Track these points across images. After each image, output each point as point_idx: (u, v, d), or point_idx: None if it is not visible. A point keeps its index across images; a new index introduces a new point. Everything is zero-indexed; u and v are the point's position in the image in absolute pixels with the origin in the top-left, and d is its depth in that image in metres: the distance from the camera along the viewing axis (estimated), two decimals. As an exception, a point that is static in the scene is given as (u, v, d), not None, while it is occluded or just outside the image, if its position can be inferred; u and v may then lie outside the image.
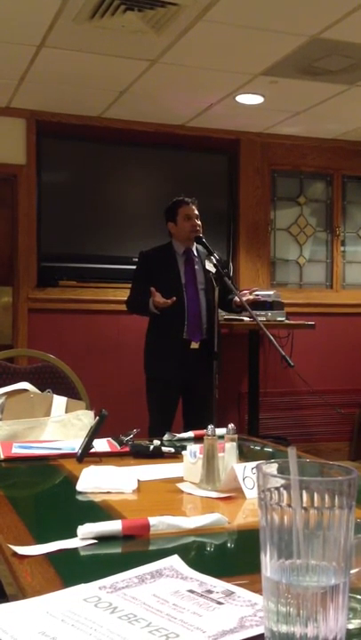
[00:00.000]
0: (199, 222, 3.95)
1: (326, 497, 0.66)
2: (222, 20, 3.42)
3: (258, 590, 0.79)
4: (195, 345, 3.89)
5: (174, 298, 3.74)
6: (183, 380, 3.91)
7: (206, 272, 3.93)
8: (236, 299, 3.90)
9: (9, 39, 3.72)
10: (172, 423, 3.86)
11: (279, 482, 0.68)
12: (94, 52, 3.88)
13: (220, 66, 4.08)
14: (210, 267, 3.90)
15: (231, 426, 1.58)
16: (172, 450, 1.80)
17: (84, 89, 4.54)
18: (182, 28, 3.53)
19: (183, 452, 1.57)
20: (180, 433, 2.14)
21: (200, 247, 4.00)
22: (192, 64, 4.05)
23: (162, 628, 0.79)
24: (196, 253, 4.01)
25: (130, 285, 4.13)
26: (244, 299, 3.85)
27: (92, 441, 1.77)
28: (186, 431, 2.16)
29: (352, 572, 0.75)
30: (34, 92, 4.61)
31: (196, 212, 3.97)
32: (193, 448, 1.54)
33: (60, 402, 2.23)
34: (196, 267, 3.99)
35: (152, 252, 4.03)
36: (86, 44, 3.76)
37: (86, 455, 1.75)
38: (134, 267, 4.14)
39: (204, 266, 3.96)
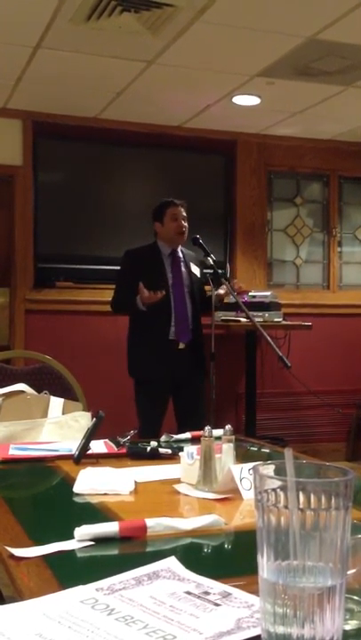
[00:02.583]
0: (186, 224, 3.94)
1: (323, 498, 0.66)
2: (219, 21, 3.42)
3: (255, 591, 0.79)
4: (181, 345, 3.87)
5: (163, 292, 3.72)
6: (172, 381, 3.90)
7: (192, 274, 3.93)
8: (220, 291, 3.91)
9: (6, 40, 3.72)
10: (161, 425, 3.84)
11: (276, 483, 0.68)
12: (91, 53, 3.88)
13: (217, 67, 4.08)
14: (195, 270, 3.92)
15: (228, 427, 1.57)
16: (170, 451, 1.80)
17: (81, 90, 4.54)
18: (179, 30, 3.53)
19: (180, 454, 1.57)
20: (180, 434, 2.13)
21: (185, 250, 4.00)
22: (189, 65, 4.06)
23: (159, 630, 0.79)
24: (181, 255, 4.01)
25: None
26: (222, 292, 3.88)
27: (89, 442, 1.77)
28: (180, 433, 2.15)
29: (349, 572, 0.75)
30: (30, 93, 4.61)
31: (184, 214, 3.95)
32: (190, 449, 1.54)
33: (56, 403, 2.23)
34: (182, 269, 3.98)
35: (138, 252, 4.01)
36: (83, 45, 3.76)
37: (83, 457, 1.75)
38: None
39: (189, 268, 3.96)
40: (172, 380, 3.89)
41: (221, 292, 3.92)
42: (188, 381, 3.89)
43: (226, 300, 4.05)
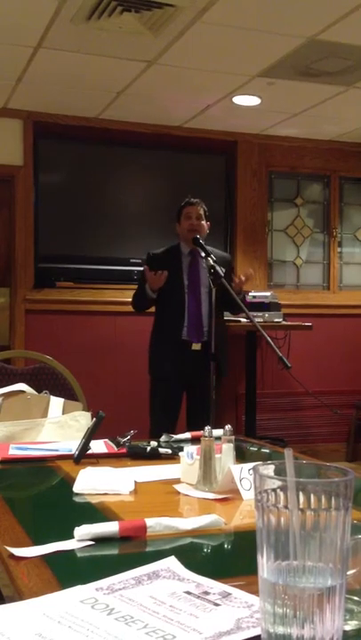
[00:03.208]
0: (200, 222, 3.97)
1: (323, 498, 0.66)
2: (219, 21, 3.42)
3: (254, 592, 0.79)
4: (196, 346, 3.90)
5: (165, 272, 3.78)
6: (185, 380, 3.93)
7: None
8: (236, 279, 3.93)
9: (6, 40, 3.72)
10: (174, 424, 3.86)
11: (276, 483, 0.68)
12: (91, 53, 3.88)
13: (218, 67, 4.08)
14: (218, 270, 3.90)
15: (228, 427, 1.58)
16: (169, 451, 1.80)
17: (82, 90, 4.54)
18: (179, 30, 3.53)
19: (180, 454, 1.57)
20: (180, 434, 2.14)
21: (209, 248, 4.00)
22: (189, 65, 4.06)
23: (159, 630, 0.79)
24: (203, 255, 4.02)
25: (128, 286, 4.15)
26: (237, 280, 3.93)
27: (89, 442, 1.77)
28: (189, 432, 2.16)
29: (349, 573, 0.75)
30: (31, 93, 4.61)
31: (201, 212, 3.99)
32: (190, 449, 1.54)
33: (56, 403, 2.23)
34: (201, 268, 3.99)
35: (158, 253, 4.07)
36: (83, 45, 3.76)
37: (83, 456, 1.75)
38: (132, 267, 4.15)
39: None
40: (185, 380, 3.91)
41: (236, 281, 3.95)
42: (202, 382, 3.89)
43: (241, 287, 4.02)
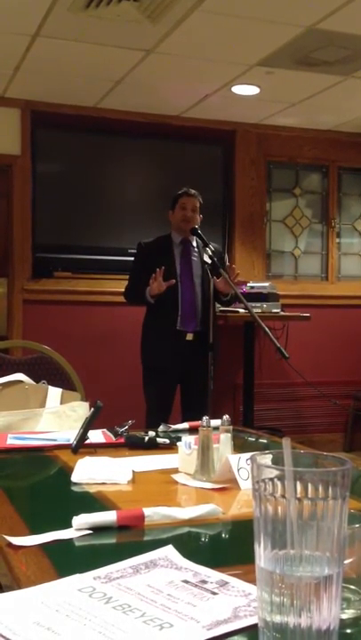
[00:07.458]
0: (195, 215, 3.96)
1: (320, 488, 0.67)
2: (218, 9, 3.41)
3: (252, 580, 0.80)
4: (189, 336, 3.90)
5: (173, 281, 3.76)
6: (179, 370, 3.92)
7: (203, 263, 3.93)
8: (216, 280, 3.85)
9: (4, 29, 3.70)
10: (169, 413, 3.87)
11: (273, 473, 0.68)
12: (89, 42, 3.86)
13: (216, 56, 4.06)
14: (208, 258, 3.90)
15: (226, 417, 1.58)
16: (167, 441, 1.81)
17: (79, 79, 4.52)
18: (178, 18, 3.51)
19: (178, 443, 1.58)
20: (176, 424, 2.14)
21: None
22: (188, 54, 4.04)
23: (156, 618, 0.80)
24: (194, 244, 4.02)
25: (126, 276, 4.14)
26: (218, 280, 3.84)
27: (87, 432, 1.77)
28: (184, 422, 2.16)
29: (346, 562, 0.75)
30: (29, 82, 4.59)
31: (197, 205, 3.98)
32: (188, 439, 1.54)
33: (54, 393, 2.23)
34: (193, 258, 3.99)
35: (149, 243, 4.05)
36: (81, 34, 3.74)
37: (81, 446, 1.75)
38: (130, 258, 4.14)
39: (201, 257, 3.96)
40: (179, 370, 3.91)
41: (217, 279, 3.85)
42: (196, 372, 3.89)
43: (224, 291, 3.96)
